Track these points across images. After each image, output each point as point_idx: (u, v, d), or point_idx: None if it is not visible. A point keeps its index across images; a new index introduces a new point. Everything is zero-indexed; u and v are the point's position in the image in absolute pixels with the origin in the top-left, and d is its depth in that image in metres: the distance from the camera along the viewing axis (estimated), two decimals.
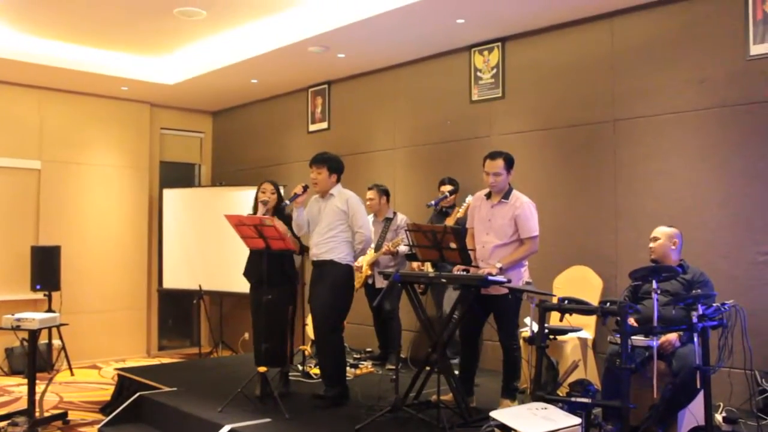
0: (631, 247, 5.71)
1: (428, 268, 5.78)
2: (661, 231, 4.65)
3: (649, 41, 5.74)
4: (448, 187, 6.44)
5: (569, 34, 6.27)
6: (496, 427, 3.51)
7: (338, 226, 5.21)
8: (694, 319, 3.92)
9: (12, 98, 8.65)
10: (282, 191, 8.17)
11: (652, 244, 4.63)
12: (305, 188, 5.33)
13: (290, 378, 5.70)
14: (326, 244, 5.21)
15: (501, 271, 4.74)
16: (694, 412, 4.24)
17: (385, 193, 6.80)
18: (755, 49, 5.13)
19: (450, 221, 6.22)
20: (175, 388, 5.75)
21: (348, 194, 5.30)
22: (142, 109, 9.71)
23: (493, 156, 4.95)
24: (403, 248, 6.29)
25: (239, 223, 5.17)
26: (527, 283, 4.66)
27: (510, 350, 4.89)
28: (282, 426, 4.58)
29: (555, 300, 4.34)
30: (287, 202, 5.41)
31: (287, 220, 5.45)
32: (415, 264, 5.91)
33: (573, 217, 6.15)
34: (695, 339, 3.96)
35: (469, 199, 5.63)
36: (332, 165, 5.30)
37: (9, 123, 8.60)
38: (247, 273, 5.63)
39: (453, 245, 4.62)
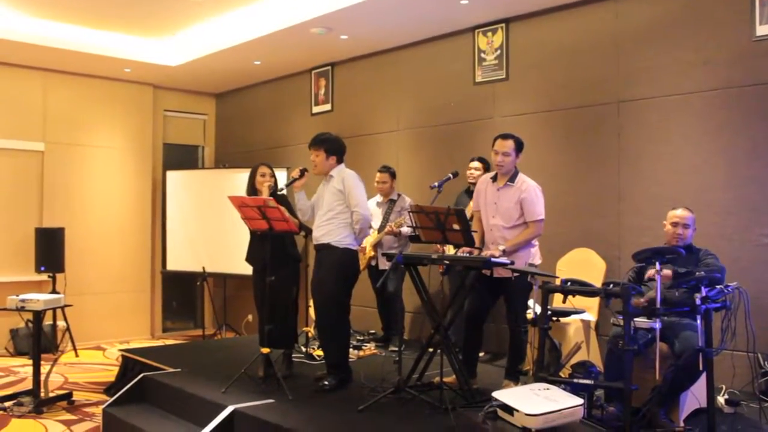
0: (634, 229, 5.70)
1: (450, 250, 5.74)
2: (690, 217, 4.54)
3: (654, 22, 5.70)
4: (476, 164, 6.35)
5: (574, 14, 6.23)
6: (498, 407, 3.52)
7: (336, 208, 5.06)
8: (698, 301, 3.91)
9: (15, 80, 8.64)
10: (286, 174, 8.22)
11: (680, 231, 4.51)
12: (303, 172, 5.24)
13: (293, 359, 5.71)
14: (324, 227, 5.09)
15: (504, 254, 4.73)
16: (696, 395, 4.25)
17: (394, 175, 6.78)
18: (761, 30, 5.09)
19: None
20: (179, 369, 5.76)
21: (345, 173, 5.13)
22: (145, 90, 9.69)
23: (504, 136, 4.94)
24: (406, 229, 6.27)
25: (242, 205, 5.14)
26: (530, 264, 4.64)
27: (517, 333, 4.88)
28: (285, 407, 4.59)
29: (558, 282, 4.33)
30: (283, 187, 5.37)
31: (282, 202, 5.39)
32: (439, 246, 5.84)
33: (576, 200, 6.14)
34: (698, 321, 3.95)
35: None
36: (330, 146, 5.14)
37: (12, 105, 8.60)
38: (250, 258, 5.62)
39: (456, 226, 4.61)
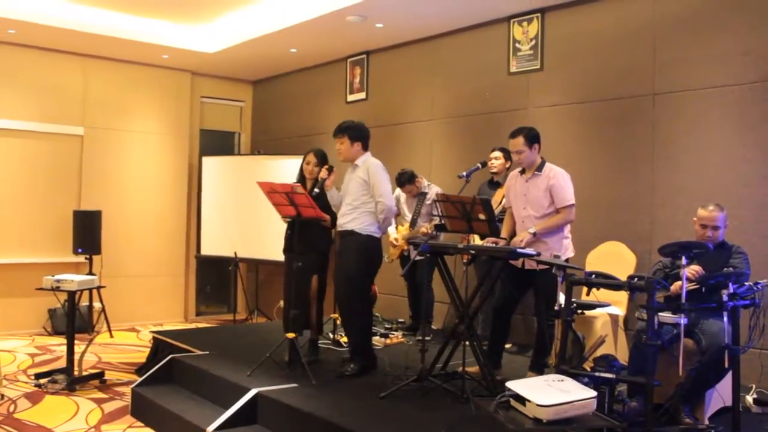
0: (666, 223, 5.61)
1: (475, 239, 5.71)
2: (720, 217, 4.35)
3: (692, 11, 5.57)
4: (496, 153, 6.28)
5: (610, 4, 6.13)
6: (511, 397, 3.49)
7: (361, 197, 5.13)
8: (725, 298, 3.83)
9: (56, 65, 8.79)
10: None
11: (709, 233, 4.34)
12: (330, 170, 5.32)
13: (320, 345, 5.75)
14: (349, 215, 5.16)
15: (534, 236, 4.69)
16: (722, 393, 4.18)
17: (412, 177, 6.68)
18: None
19: (502, 192, 6.10)
20: (207, 352, 5.85)
21: (370, 163, 5.18)
22: (183, 77, 9.80)
23: (513, 134, 4.88)
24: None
25: (271, 191, 5.20)
26: (555, 256, 4.60)
27: (543, 325, 4.84)
28: (307, 392, 4.63)
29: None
30: (317, 190, 5.35)
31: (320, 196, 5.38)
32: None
33: (609, 192, 6.05)
34: (725, 317, 3.88)
35: None
36: (353, 133, 5.21)
37: (53, 90, 8.77)
38: (285, 247, 5.66)
39: (482, 216, 4.59)
